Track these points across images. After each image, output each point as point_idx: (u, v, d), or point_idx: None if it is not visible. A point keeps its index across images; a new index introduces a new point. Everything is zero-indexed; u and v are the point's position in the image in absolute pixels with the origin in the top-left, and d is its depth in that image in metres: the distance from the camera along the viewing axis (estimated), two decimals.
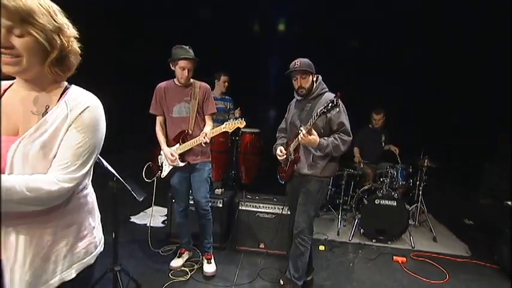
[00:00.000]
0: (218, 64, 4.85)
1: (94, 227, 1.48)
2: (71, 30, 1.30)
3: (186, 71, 3.03)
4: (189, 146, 3.08)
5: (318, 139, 2.66)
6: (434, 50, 6.25)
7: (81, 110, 1.28)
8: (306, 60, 2.81)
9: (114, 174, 2.37)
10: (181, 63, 3.00)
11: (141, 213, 4.72)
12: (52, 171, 1.25)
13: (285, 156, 2.96)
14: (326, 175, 2.88)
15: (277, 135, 3.24)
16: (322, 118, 2.66)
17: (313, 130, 2.63)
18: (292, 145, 2.88)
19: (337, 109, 2.46)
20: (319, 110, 2.52)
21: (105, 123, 1.37)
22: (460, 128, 6.43)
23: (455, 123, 6.46)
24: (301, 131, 2.63)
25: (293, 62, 2.81)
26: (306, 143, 2.67)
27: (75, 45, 1.32)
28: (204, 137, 2.95)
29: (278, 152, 3.00)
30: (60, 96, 1.31)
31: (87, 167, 1.31)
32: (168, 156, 3.12)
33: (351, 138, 2.79)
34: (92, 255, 1.46)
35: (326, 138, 2.75)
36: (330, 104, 2.46)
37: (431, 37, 6.11)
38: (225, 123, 2.95)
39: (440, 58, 6.28)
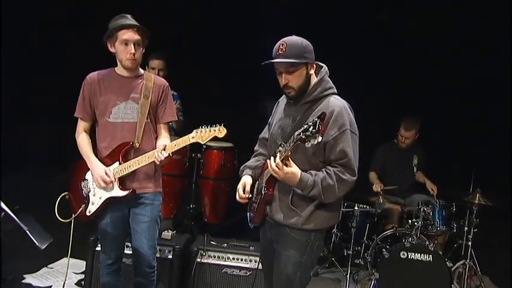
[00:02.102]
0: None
1: None
2: None
3: (131, 46, 3.01)
4: (135, 166, 3.06)
5: (298, 174, 2.53)
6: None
7: None
8: (296, 41, 2.63)
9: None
10: (124, 34, 2.99)
11: (44, 270, 4.60)
12: None
13: (247, 195, 2.83)
14: (313, 227, 2.71)
15: (255, 147, 3.16)
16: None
17: (290, 160, 2.49)
18: (264, 174, 2.78)
19: (319, 139, 2.27)
20: (296, 133, 2.36)
21: None
22: None
23: None
24: (273, 157, 2.50)
25: (277, 44, 2.64)
26: (278, 178, 2.54)
27: None
28: (161, 152, 2.93)
29: (239, 185, 2.86)
30: None
31: None
32: (101, 175, 3.05)
33: (354, 178, 2.62)
34: None
35: (313, 172, 2.60)
36: (311, 128, 2.26)
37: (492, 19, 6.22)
38: (194, 131, 2.93)
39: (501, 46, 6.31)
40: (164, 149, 2.94)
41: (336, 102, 2.67)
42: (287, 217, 2.69)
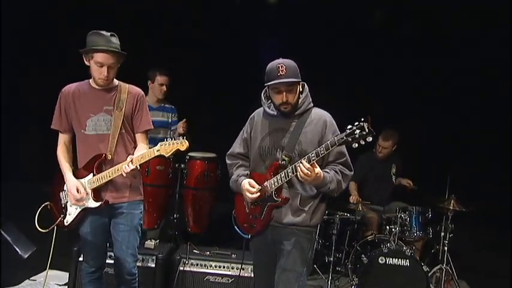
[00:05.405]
0: (152, 59, 4.89)
1: None
2: None
3: (105, 68, 3.06)
4: (107, 178, 3.10)
5: (322, 173, 2.79)
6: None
7: None
8: (291, 63, 2.89)
9: None
10: (99, 57, 3.04)
11: (26, 283, 4.52)
12: None
13: (258, 194, 2.96)
14: (316, 223, 3.02)
15: (229, 162, 3.27)
16: (320, 146, 2.74)
17: (315, 163, 2.74)
18: (272, 182, 2.92)
19: (369, 138, 2.53)
20: (337, 137, 2.61)
21: None
22: (506, 154, 6.54)
23: (498, 147, 6.62)
24: (301, 162, 2.71)
25: (274, 66, 2.86)
26: (308, 180, 2.76)
27: None
28: (128, 164, 2.98)
29: (247, 185, 2.97)
30: None
31: None
32: (72, 192, 3.11)
33: (352, 173, 3.00)
34: None
35: (327, 171, 2.89)
36: (359, 132, 2.50)
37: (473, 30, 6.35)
38: (159, 144, 2.98)
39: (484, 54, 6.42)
40: (132, 162, 2.99)
41: (323, 112, 3.04)
42: (296, 217, 2.94)
